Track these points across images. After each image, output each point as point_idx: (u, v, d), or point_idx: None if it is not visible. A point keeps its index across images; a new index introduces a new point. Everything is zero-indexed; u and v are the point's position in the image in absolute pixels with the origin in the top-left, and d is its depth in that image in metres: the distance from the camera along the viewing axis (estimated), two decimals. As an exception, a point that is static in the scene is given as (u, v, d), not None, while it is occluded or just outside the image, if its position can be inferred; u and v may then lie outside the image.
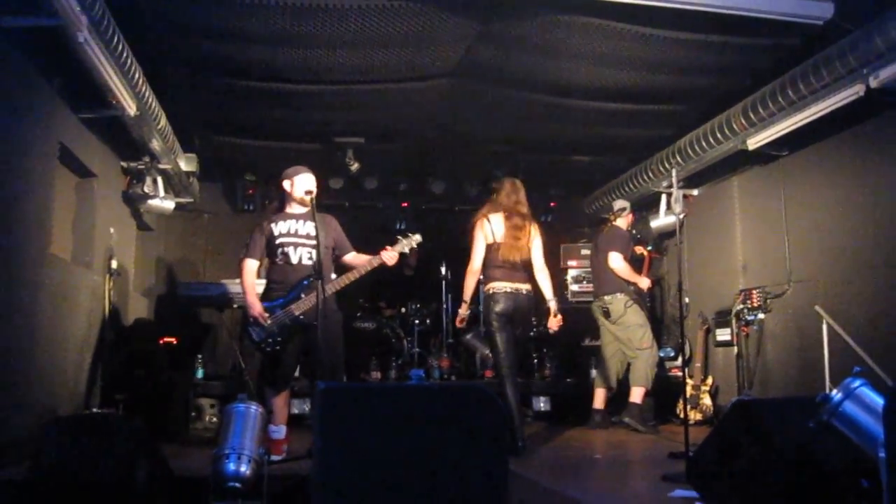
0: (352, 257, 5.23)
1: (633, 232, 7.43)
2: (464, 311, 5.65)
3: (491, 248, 5.49)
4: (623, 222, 7.04)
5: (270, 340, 4.89)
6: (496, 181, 6.05)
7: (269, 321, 4.88)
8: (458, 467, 2.52)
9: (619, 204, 7.12)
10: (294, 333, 4.94)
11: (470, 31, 5.18)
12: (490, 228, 5.50)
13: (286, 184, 5.09)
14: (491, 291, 5.44)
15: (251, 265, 5.12)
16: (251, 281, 5.08)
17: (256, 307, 4.91)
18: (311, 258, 4.96)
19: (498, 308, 5.37)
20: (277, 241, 5.04)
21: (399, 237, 5.12)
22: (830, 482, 3.14)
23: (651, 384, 6.59)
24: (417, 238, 5.14)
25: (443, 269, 8.05)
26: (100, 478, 3.32)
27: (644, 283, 6.89)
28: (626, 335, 6.66)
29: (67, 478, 3.31)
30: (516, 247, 5.44)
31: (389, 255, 5.03)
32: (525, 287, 5.46)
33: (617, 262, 6.69)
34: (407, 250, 5.13)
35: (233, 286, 6.87)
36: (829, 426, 2.94)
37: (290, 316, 4.90)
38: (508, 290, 5.39)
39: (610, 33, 5.11)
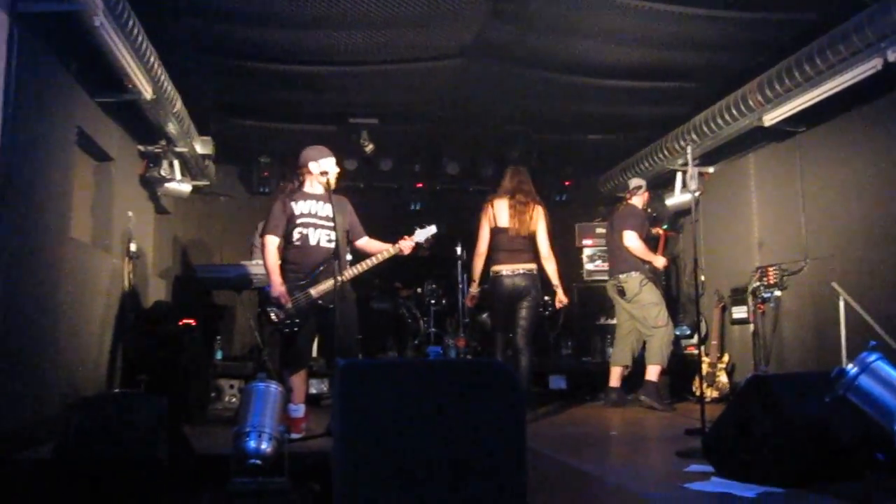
0: (364, 242, 5.28)
1: (649, 210, 7.41)
2: (474, 289, 6.07)
3: (496, 233, 5.88)
4: (639, 201, 7.01)
5: (289, 322, 4.92)
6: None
7: (288, 303, 4.92)
8: (477, 442, 2.55)
9: (635, 182, 7.09)
10: (311, 315, 4.98)
11: (483, 9, 5.17)
12: (492, 213, 5.91)
13: (312, 165, 5.08)
14: (492, 275, 5.85)
15: (274, 242, 5.02)
16: (275, 260, 5.00)
17: (280, 288, 4.89)
18: (329, 241, 5.00)
19: (498, 290, 5.82)
20: (298, 221, 5.02)
21: (416, 227, 5.26)
22: (846, 456, 3.16)
23: (666, 362, 6.60)
24: (433, 229, 5.28)
25: (458, 249, 8.08)
26: (123, 456, 3.39)
27: (660, 261, 6.88)
28: (642, 313, 6.67)
29: (92, 456, 3.38)
30: (522, 224, 5.80)
31: (407, 245, 5.15)
32: (525, 267, 5.80)
33: (632, 240, 6.67)
34: (422, 240, 5.24)
35: (251, 267, 6.91)
36: (844, 400, 2.96)
37: (309, 298, 4.94)
38: (510, 272, 5.79)
39: (624, 10, 5.08)
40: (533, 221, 5.85)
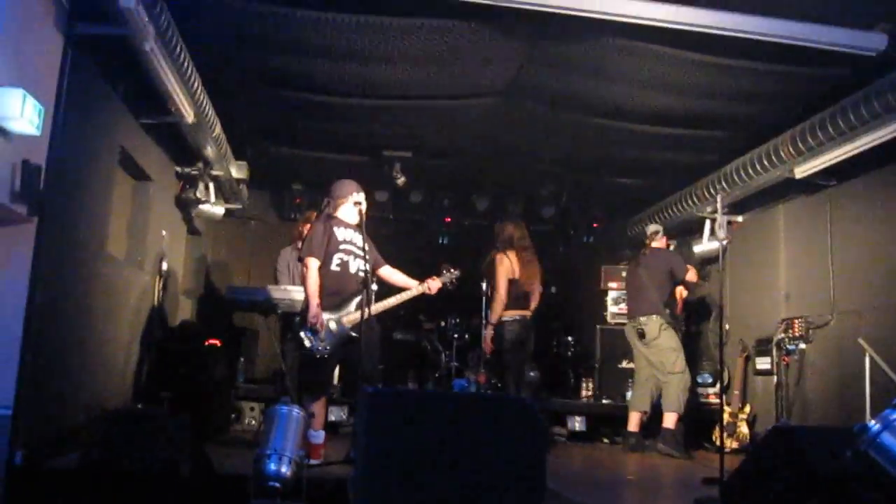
0: (388, 272, 5.37)
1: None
2: (489, 334, 6.42)
3: (510, 283, 6.34)
4: (659, 245, 7.07)
5: (320, 348, 4.95)
6: (498, 224, 6.83)
7: (323, 330, 4.95)
8: (497, 477, 2.57)
9: (653, 227, 7.18)
10: (340, 343, 5.02)
11: (520, 52, 5.27)
12: (510, 265, 6.38)
13: (355, 196, 5.14)
14: (503, 319, 6.34)
15: (317, 265, 4.99)
16: (317, 286, 4.96)
17: (318, 314, 4.90)
18: (364, 270, 5.02)
19: (511, 333, 6.34)
20: (340, 248, 5.07)
21: (444, 270, 5.49)
22: (866, 513, 3.13)
23: (683, 409, 6.55)
24: (457, 273, 5.53)
25: (483, 286, 8.13)
26: (146, 470, 3.44)
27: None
28: (659, 358, 6.66)
29: (116, 468, 3.44)
30: (529, 276, 6.38)
31: (434, 285, 5.34)
32: (526, 313, 6.45)
33: (694, 276, 6.96)
34: (448, 282, 5.47)
35: (276, 292, 6.96)
36: (866, 456, 2.94)
37: (341, 327, 4.98)
38: (518, 317, 6.36)
39: (660, 58, 5.16)
40: (537, 274, 6.44)
